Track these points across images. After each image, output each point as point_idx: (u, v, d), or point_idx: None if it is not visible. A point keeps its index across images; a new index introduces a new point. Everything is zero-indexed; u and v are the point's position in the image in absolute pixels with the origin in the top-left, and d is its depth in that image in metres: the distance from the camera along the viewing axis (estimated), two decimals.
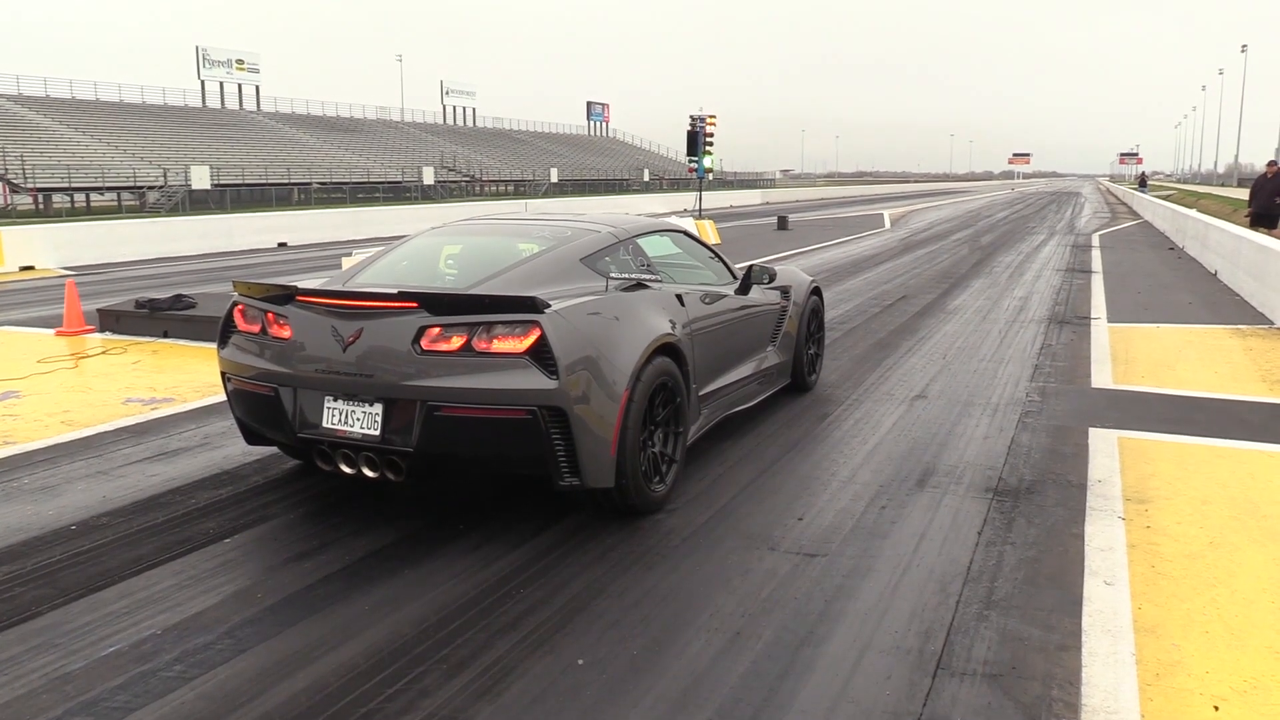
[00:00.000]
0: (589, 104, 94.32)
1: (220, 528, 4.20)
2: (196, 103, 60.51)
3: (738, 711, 2.77)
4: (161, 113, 55.82)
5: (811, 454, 5.28)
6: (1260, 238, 12.22)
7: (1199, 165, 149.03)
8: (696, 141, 30.27)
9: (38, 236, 18.60)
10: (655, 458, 4.35)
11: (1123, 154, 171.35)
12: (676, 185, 74.20)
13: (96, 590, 3.58)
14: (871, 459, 5.17)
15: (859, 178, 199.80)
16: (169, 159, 45.68)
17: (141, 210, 38.53)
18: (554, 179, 65.02)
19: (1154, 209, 30.78)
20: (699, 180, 33.06)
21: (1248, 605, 3.40)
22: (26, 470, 5.04)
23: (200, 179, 42.05)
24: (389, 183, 53.92)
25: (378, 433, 3.97)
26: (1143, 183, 57.06)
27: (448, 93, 78.94)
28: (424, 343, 3.89)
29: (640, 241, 5.13)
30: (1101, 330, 9.39)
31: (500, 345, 3.84)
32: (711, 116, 30.99)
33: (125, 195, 40.66)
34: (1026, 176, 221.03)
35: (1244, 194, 27.20)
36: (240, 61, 62.32)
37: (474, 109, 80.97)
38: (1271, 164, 17.08)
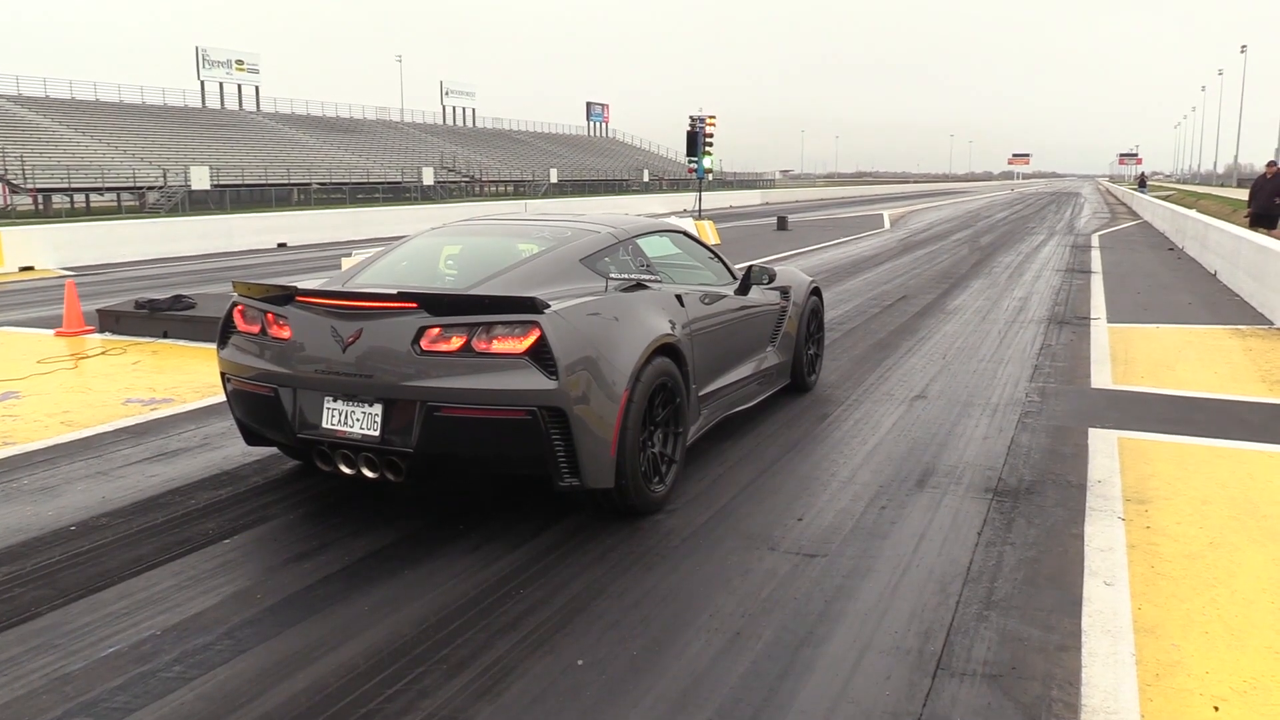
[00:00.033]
0: (589, 104, 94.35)
1: (220, 528, 4.20)
2: (196, 103, 60.51)
3: (737, 712, 2.77)
4: (161, 113, 55.82)
5: (811, 454, 5.28)
6: (1260, 238, 12.23)
7: (1198, 166, 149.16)
8: (696, 142, 30.27)
9: (37, 237, 18.60)
10: (655, 458, 4.35)
11: (1122, 154, 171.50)
12: (676, 186, 74.19)
13: (96, 591, 3.57)
14: (871, 459, 5.17)
15: (859, 178, 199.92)
16: (168, 159, 45.68)
17: (141, 210, 38.53)
18: (554, 179, 65.01)
19: (1153, 209, 30.79)
20: (698, 181, 33.05)
21: (1247, 605, 3.40)
22: (26, 471, 5.04)
23: (200, 179, 42.05)
24: (388, 183, 53.92)
25: (377, 433, 3.97)
26: (1142, 183, 57.07)
27: (447, 93, 78.94)
28: (424, 343, 3.89)
29: (640, 242, 5.13)
30: (1101, 330, 9.39)
31: (500, 346, 3.84)
32: (711, 117, 31.00)
33: (125, 195, 40.65)
34: (1026, 177, 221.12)
35: (1243, 194, 27.21)
36: (240, 62, 62.32)
37: (474, 109, 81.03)
38: (1271, 164, 17.09)
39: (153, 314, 9.16)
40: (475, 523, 4.22)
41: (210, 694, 2.87)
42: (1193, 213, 21.31)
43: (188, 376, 7.36)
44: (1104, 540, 4.00)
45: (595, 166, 78.65)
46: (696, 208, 35.02)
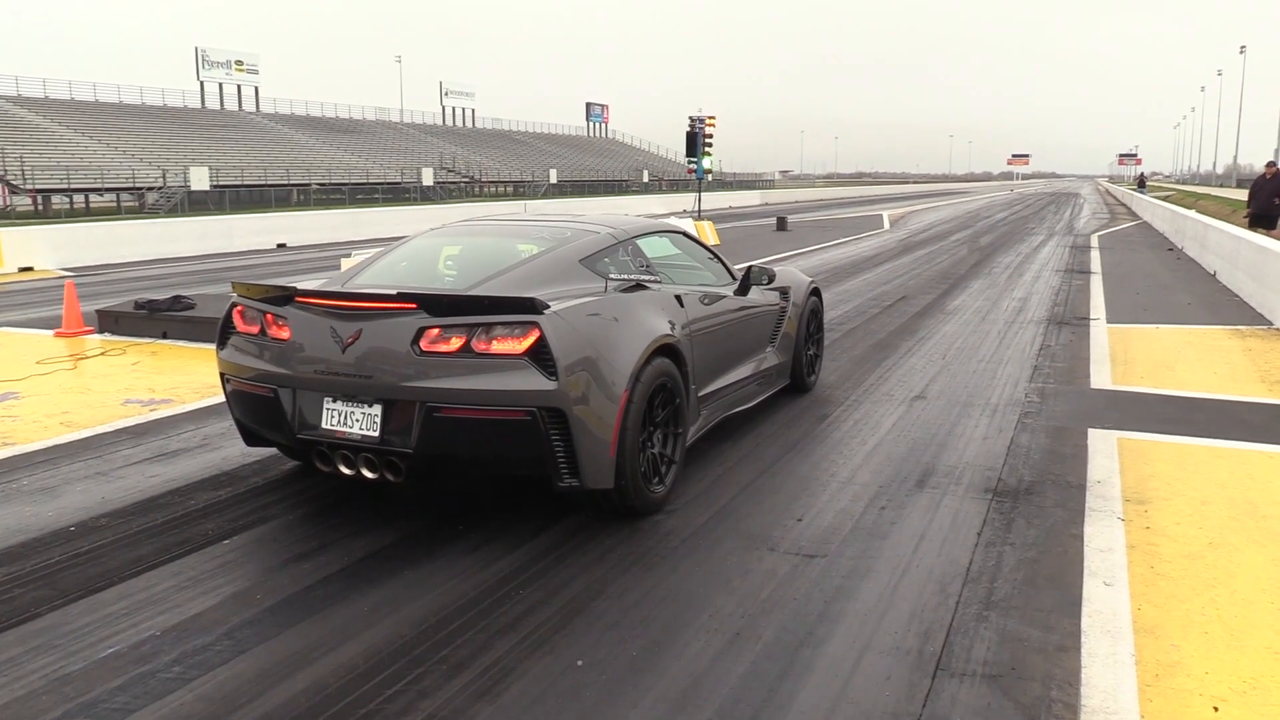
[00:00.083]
0: (588, 105, 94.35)
1: (219, 529, 4.20)
2: (196, 104, 60.49)
3: (737, 712, 2.77)
4: (160, 113, 55.80)
5: (811, 455, 5.28)
6: (1259, 238, 12.23)
7: (1198, 166, 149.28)
8: (695, 142, 30.28)
9: (37, 237, 18.60)
10: (654, 459, 4.35)
11: (1122, 155, 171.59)
12: (676, 186, 74.19)
13: (96, 591, 3.57)
14: (871, 460, 5.17)
15: (858, 178, 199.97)
16: (168, 160, 45.67)
17: (140, 211, 38.53)
18: (553, 180, 65.02)
19: (1153, 210, 30.80)
20: (698, 181, 33.05)
21: (1247, 606, 3.40)
22: (26, 471, 5.04)
23: (199, 180, 42.04)
24: (388, 184, 53.92)
25: (377, 434, 3.97)
26: (1141, 183, 57.09)
27: (447, 93, 78.92)
28: (423, 344, 3.89)
29: (639, 242, 5.13)
30: (1100, 331, 9.39)
31: (499, 346, 3.84)
32: (711, 117, 31.01)
33: (124, 196, 40.65)
34: (1025, 177, 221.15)
35: (1243, 195, 27.23)
36: (239, 62, 62.31)
37: (473, 110, 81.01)
38: (1270, 165, 17.10)
39: (152, 314, 9.16)
40: (475, 523, 4.22)
41: (210, 695, 2.87)
42: (1192, 213, 21.32)
43: (187, 377, 7.36)
44: (1103, 541, 4.00)
45: (595, 167, 78.66)
46: (696, 208, 35.03)
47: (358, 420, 4.00)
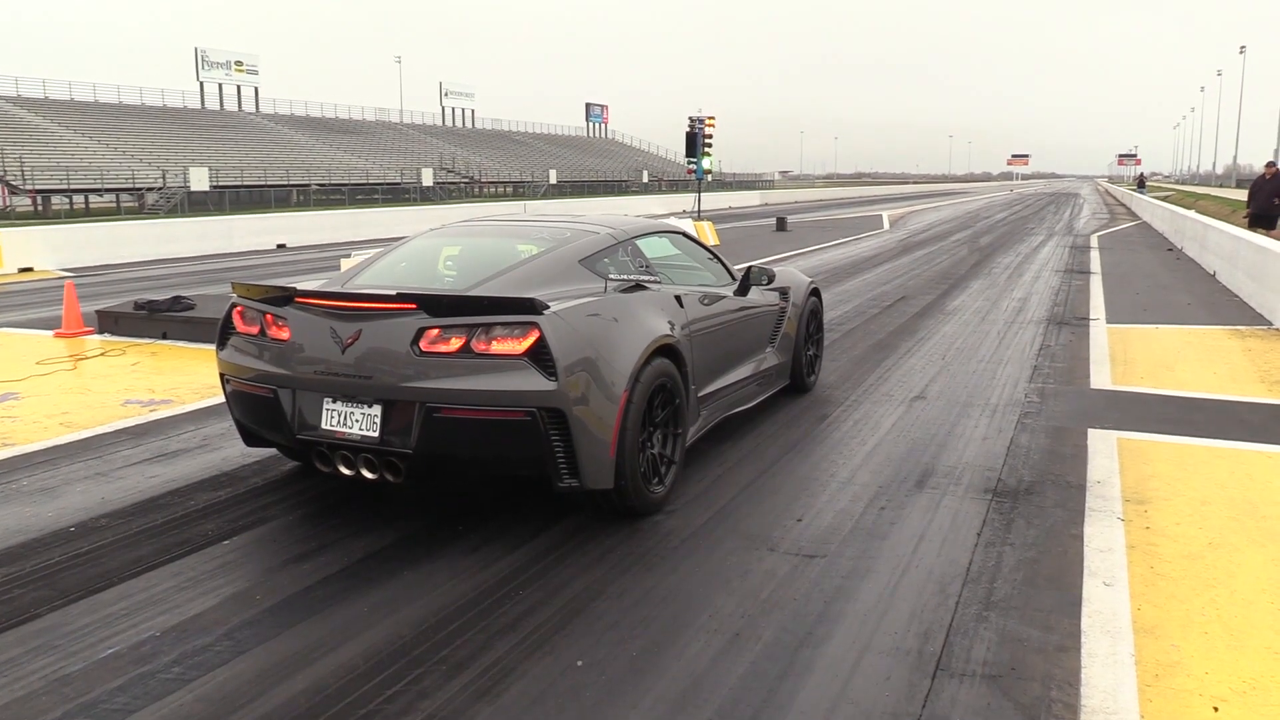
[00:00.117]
0: (588, 105, 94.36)
1: (219, 529, 4.20)
2: (195, 104, 60.50)
3: (737, 713, 2.77)
4: (160, 114, 55.80)
5: (810, 455, 5.28)
6: (1259, 239, 12.23)
7: (1197, 166, 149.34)
8: (695, 143, 30.28)
9: (37, 238, 18.61)
10: (654, 459, 4.35)
11: (1121, 155, 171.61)
12: (675, 186, 74.20)
13: (95, 592, 3.57)
14: (870, 460, 5.17)
15: (858, 179, 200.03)
16: (168, 160, 45.67)
17: (140, 212, 38.53)
18: (553, 180, 65.02)
19: (1152, 210, 30.80)
20: (698, 181, 33.05)
21: (1247, 606, 3.40)
22: (26, 472, 5.04)
23: (199, 180, 42.05)
24: (388, 184, 53.93)
25: (376, 434, 3.97)
26: (1141, 184, 57.09)
27: (447, 94, 78.93)
28: (423, 344, 3.89)
29: (639, 243, 5.13)
30: (1100, 331, 9.39)
31: (499, 347, 3.84)
32: (710, 117, 31.01)
33: (124, 197, 40.66)
34: (1025, 177, 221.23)
35: (1242, 195, 27.23)
36: (239, 63, 62.32)
37: (473, 110, 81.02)
38: (1270, 165, 17.10)
39: (152, 315, 9.16)
40: (474, 524, 4.22)
41: (209, 695, 2.87)
42: (1192, 213, 21.32)
43: (187, 378, 7.36)
44: (1103, 541, 4.00)
45: (594, 167, 78.67)
46: (695, 208, 35.03)
47: (357, 421, 4.00)
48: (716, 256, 5.98)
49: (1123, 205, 47.58)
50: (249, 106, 63.30)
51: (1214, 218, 19.74)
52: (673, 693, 2.87)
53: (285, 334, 4.18)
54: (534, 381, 3.79)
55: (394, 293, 4.07)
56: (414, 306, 3.93)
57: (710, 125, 30.78)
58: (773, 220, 31.25)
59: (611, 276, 4.61)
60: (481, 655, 3.09)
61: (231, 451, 5.33)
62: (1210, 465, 5.02)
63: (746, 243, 22.99)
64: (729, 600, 3.48)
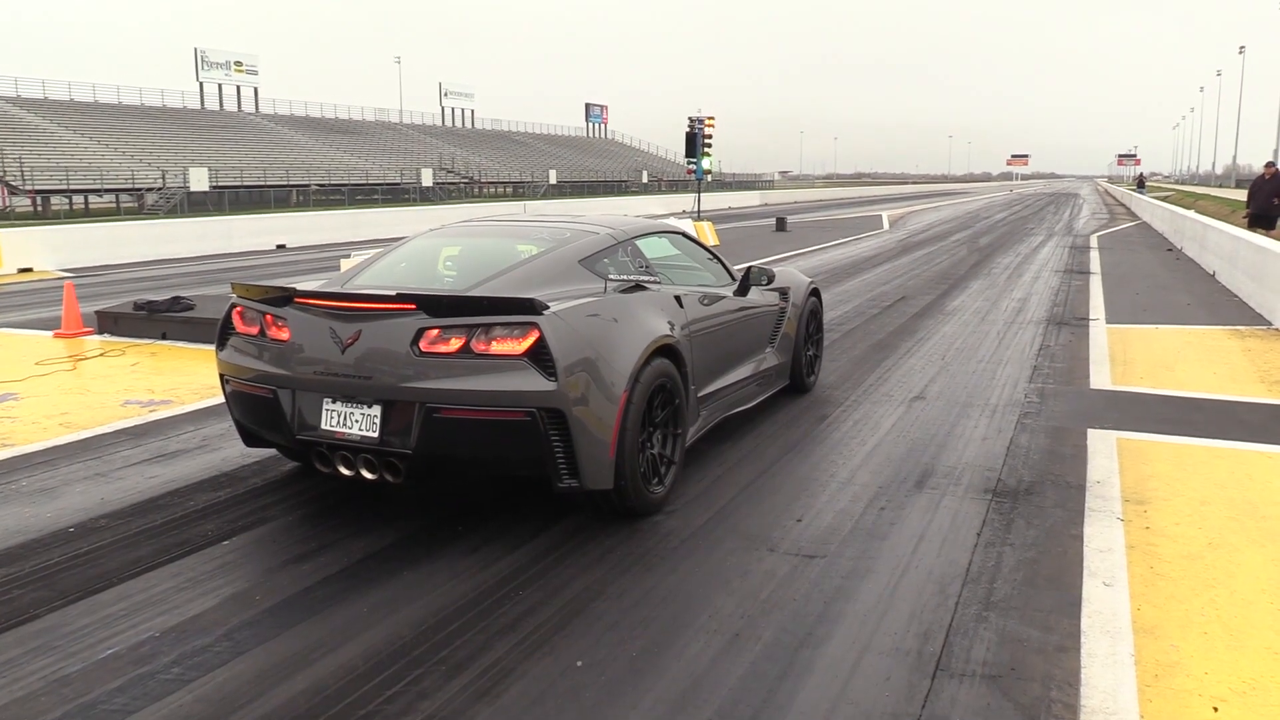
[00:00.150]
0: (587, 105, 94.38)
1: (219, 530, 4.20)
2: (195, 104, 60.51)
3: (737, 713, 2.77)
4: (160, 114, 55.81)
5: (810, 455, 5.28)
6: (1258, 239, 12.23)
7: (1197, 166, 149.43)
8: (695, 143, 30.27)
9: (36, 238, 18.61)
10: (654, 459, 4.35)
11: (1121, 155, 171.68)
12: (675, 187, 74.19)
13: (95, 593, 3.57)
14: (870, 460, 5.17)
15: (857, 179, 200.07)
16: (167, 161, 45.67)
17: (140, 212, 38.53)
18: (552, 180, 65.02)
19: (1152, 210, 30.81)
20: (697, 182, 33.05)
21: (1246, 606, 3.40)
22: (25, 472, 5.04)
23: (199, 181, 42.05)
24: (387, 184, 53.92)
25: (376, 434, 3.96)
26: (1141, 184, 57.11)
27: (446, 94, 78.95)
28: (423, 344, 3.89)
29: (639, 243, 5.13)
30: (1100, 331, 9.39)
31: (499, 347, 3.84)
32: (710, 118, 31.01)
33: (124, 197, 40.65)
34: (1025, 178, 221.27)
35: (1242, 195, 27.23)
36: (239, 63, 62.34)
37: (473, 110, 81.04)
38: (1269, 165, 17.11)
39: (151, 315, 9.16)
40: (474, 524, 4.22)
41: (209, 696, 2.87)
42: (1191, 213, 21.32)
43: (186, 378, 7.36)
44: (1103, 541, 4.00)
45: (594, 167, 78.67)
46: (695, 209, 35.03)
47: (357, 421, 4.00)
48: (716, 257, 5.98)
49: (1122, 205, 47.59)
50: (249, 107, 63.32)
51: (1213, 218, 19.74)
52: (672, 693, 2.87)
53: (285, 334, 4.18)
54: (534, 382, 3.79)
55: (394, 293, 4.07)
56: (414, 307, 3.93)
57: (710, 125, 30.78)
58: (772, 220, 31.26)
59: (611, 277, 4.61)
60: (481, 656, 3.09)
61: (231, 452, 5.33)
62: (1210, 465, 5.02)
63: (746, 243, 22.99)
64: (729, 601, 3.48)
